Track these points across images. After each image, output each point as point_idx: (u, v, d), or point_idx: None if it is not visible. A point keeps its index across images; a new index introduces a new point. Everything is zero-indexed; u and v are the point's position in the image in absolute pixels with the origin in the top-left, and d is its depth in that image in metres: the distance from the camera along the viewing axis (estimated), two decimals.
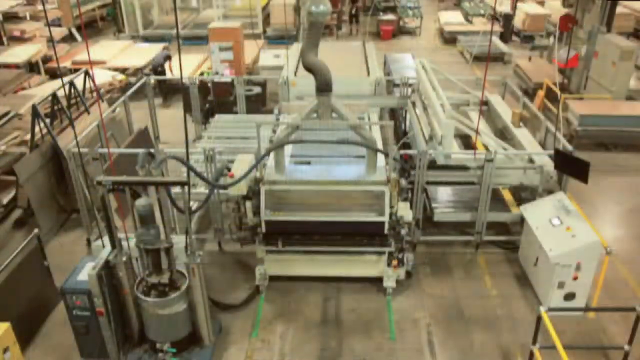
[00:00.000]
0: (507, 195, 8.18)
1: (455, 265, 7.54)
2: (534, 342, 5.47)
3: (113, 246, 5.59)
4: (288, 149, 7.12)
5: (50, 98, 8.40)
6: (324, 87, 6.07)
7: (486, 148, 7.88)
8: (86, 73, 9.53)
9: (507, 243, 7.87)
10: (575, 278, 6.37)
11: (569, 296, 6.49)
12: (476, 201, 7.61)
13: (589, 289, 6.49)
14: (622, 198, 9.17)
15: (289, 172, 6.63)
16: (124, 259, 5.52)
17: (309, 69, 6.11)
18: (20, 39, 13.55)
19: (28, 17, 13.99)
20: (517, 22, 18.89)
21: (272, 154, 6.67)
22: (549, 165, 7.37)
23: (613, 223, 8.57)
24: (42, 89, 10.98)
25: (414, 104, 9.96)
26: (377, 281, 7.01)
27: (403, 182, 6.57)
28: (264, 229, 6.48)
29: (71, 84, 8.89)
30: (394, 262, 6.70)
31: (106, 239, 5.61)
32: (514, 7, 18.77)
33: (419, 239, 7.74)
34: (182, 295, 5.66)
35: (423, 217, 7.68)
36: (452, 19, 19.69)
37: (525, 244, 7.36)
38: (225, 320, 6.56)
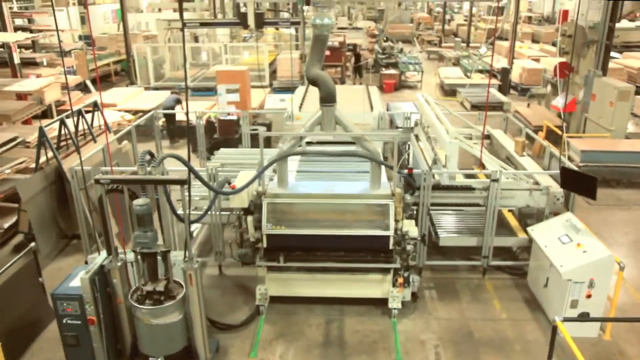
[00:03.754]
0: (513, 222, 8.05)
1: (462, 289, 7.28)
2: (550, 357, 5.16)
3: (109, 252, 5.46)
4: (291, 174, 7.11)
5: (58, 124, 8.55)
6: (328, 98, 6.18)
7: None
8: (95, 104, 9.76)
9: (514, 269, 7.64)
10: (589, 296, 6.11)
11: (583, 316, 6.19)
12: (482, 226, 7.49)
13: (603, 309, 6.21)
14: (628, 229, 9.02)
15: (292, 187, 6.59)
16: (119, 264, 5.36)
17: (313, 81, 6.25)
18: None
19: (45, 63, 14.54)
20: (515, 76, 19.51)
21: (275, 169, 6.67)
22: (555, 186, 7.32)
23: (620, 252, 8.33)
24: (53, 126, 11.20)
25: (417, 137, 10.09)
26: (381, 304, 6.74)
27: (408, 197, 6.49)
28: (265, 244, 6.34)
29: (79, 112, 9.08)
30: (400, 280, 6.47)
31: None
32: (511, 62, 19.46)
33: (424, 264, 7.53)
34: (178, 305, 5.43)
35: (428, 243, 7.51)
36: (451, 73, 20.36)
37: (534, 267, 7.14)
38: (223, 339, 6.26)
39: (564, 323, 5.09)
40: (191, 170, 5.36)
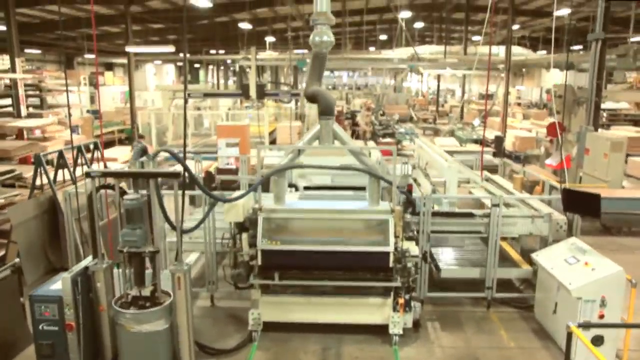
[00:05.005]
0: (516, 256, 7.82)
1: (467, 321, 6.87)
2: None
3: (94, 255, 5.22)
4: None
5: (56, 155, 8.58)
6: (326, 110, 6.26)
7: None
8: (95, 145, 9.85)
9: (520, 301, 7.27)
10: (602, 316, 5.76)
11: (597, 340, 5.77)
12: (483, 259, 7.26)
13: (617, 332, 5.82)
14: (633, 271, 8.69)
15: (289, 203, 6.47)
16: (104, 265, 5.10)
17: (311, 96, 6.36)
18: (40, 139, 14.24)
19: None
20: (508, 145, 19.96)
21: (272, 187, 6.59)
22: (558, 215, 7.19)
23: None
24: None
25: (415, 180, 10.09)
26: (381, 332, 6.32)
27: (408, 216, 6.35)
28: (260, 261, 6.07)
29: (79, 149, 9.14)
30: (400, 301, 6.12)
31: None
32: (504, 131, 20.04)
33: (425, 295, 7.16)
34: (164, 311, 5.09)
35: (429, 280, 7.19)
36: (447, 142, 20.86)
37: (541, 298, 6.79)
38: None
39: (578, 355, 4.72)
40: (186, 169, 5.28)
